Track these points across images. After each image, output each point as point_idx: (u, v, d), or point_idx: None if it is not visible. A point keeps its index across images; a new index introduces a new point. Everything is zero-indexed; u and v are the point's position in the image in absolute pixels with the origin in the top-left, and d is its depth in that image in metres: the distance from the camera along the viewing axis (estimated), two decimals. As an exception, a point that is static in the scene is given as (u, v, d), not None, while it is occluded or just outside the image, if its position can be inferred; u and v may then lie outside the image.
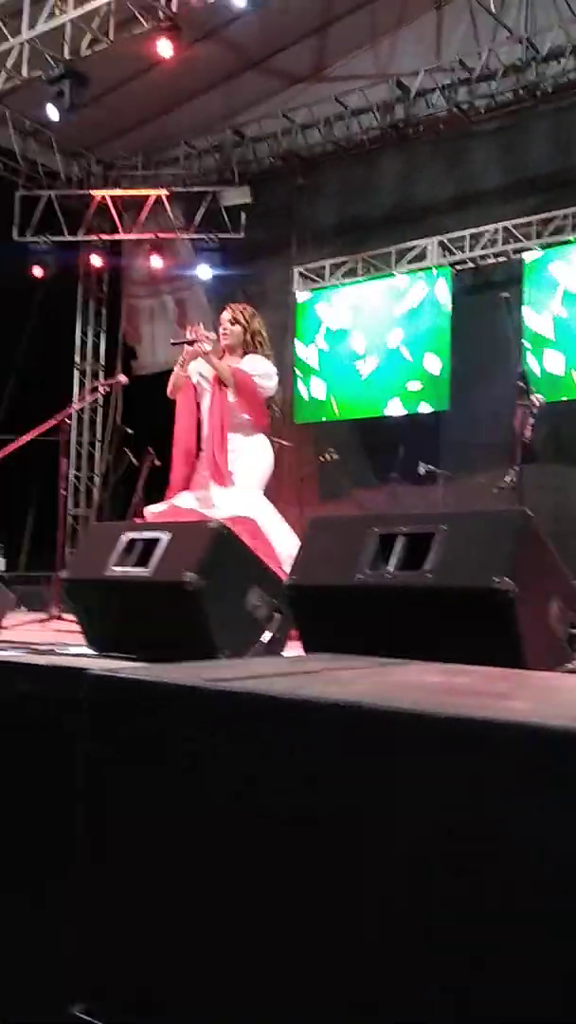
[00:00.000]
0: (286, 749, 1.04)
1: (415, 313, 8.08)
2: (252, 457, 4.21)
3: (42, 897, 1.67)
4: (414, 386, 7.98)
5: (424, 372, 7.93)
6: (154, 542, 2.32)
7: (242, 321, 4.33)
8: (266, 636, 2.31)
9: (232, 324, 4.32)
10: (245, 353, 4.30)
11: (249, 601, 2.29)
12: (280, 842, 1.02)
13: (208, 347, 4.18)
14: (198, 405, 4.27)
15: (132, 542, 2.37)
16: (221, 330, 4.34)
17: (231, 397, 4.17)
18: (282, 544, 3.84)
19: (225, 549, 2.26)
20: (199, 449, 4.24)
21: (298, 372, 8.72)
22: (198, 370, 4.27)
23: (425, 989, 0.86)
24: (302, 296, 8.82)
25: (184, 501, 4.06)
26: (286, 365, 8.88)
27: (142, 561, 2.32)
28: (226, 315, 4.38)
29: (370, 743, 0.97)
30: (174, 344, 4.60)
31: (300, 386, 8.70)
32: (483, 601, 1.65)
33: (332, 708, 0.99)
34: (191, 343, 4.25)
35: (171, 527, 2.41)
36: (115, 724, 1.25)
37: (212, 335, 4.27)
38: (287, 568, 3.70)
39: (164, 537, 2.31)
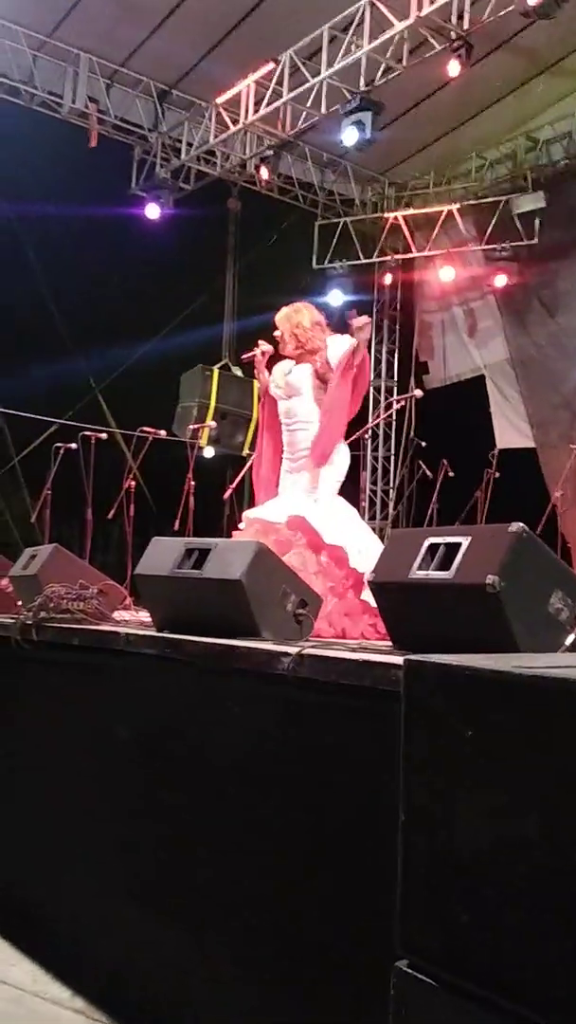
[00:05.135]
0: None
1: None
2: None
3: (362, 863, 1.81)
4: None
5: None
6: (456, 546, 2.41)
7: (280, 324, 4.12)
8: (569, 639, 2.31)
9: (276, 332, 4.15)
10: (309, 350, 4.08)
11: (552, 604, 2.30)
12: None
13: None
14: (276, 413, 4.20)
15: (433, 546, 2.47)
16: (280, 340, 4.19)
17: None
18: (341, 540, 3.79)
19: (527, 552, 2.29)
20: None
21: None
22: (275, 380, 4.18)
23: None
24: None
25: (256, 512, 3.99)
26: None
27: (444, 565, 2.42)
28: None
29: None
30: (244, 361, 4.52)
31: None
32: None
33: None
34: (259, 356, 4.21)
35: (471, 531, 2.48)
36: (433, 709, 1.31)
37: (267, 347, 4.19)
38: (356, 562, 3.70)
39: (465, 541, 2.39)
